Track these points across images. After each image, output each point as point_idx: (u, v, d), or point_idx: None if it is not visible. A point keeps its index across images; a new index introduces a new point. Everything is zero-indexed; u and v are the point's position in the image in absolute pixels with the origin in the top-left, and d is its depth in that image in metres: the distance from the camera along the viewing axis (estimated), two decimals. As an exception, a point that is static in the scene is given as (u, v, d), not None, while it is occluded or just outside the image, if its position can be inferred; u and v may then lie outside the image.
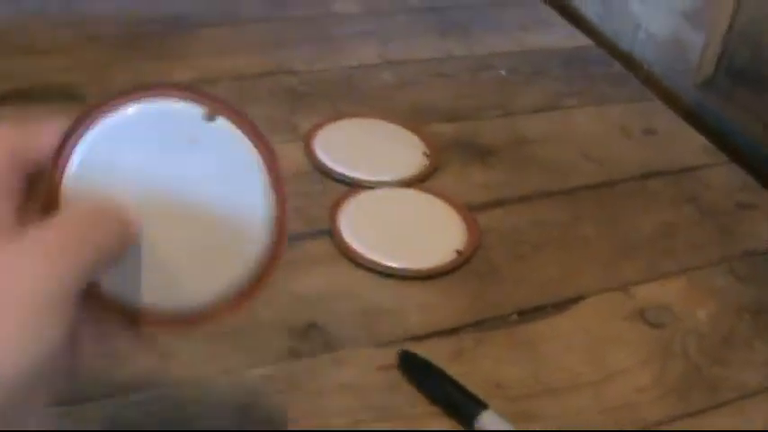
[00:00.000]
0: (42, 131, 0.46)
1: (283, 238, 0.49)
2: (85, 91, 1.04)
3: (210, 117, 0.47)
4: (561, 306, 0.80)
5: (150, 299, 0.47)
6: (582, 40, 1.30)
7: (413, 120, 1.03)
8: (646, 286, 0.84)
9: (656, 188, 0.98)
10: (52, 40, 1.13)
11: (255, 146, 0.49)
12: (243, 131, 0.48)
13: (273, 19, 1.27)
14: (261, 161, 0.49)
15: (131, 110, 0.46)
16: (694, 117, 1.15)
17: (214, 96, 0.48)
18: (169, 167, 0.47)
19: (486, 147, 1.02)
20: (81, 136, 0.46)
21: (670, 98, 1.19)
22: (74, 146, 0.46)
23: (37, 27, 1.14)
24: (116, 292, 0.47)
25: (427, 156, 0.97)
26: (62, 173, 0.46)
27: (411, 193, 0.91)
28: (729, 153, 1.06)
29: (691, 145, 1.07)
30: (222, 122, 0.48)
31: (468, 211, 0.89)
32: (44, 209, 0.45)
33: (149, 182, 0.46)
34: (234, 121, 0.48)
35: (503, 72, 1.18)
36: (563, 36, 1.31)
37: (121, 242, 0.44)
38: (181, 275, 0.48)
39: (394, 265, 0.81)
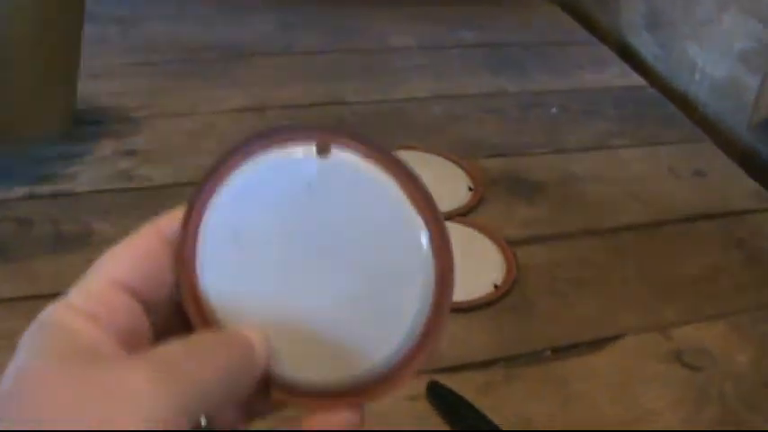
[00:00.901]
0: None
1: (448, 287, 0.41)
2: (138, 115, 1.06)
3: (322, 151, 0.40)
4: (596, 345, 0.79)
5: (295, 371, 0.41)
6: (637, 80, 1.30)
7: (461, 154, 1.03)
8: (685, 328, 0.83)
9: (703, 231, 0.97)
10: (108, 65, 1.15)
11: (392, 174, 0.41)
12: (370, 160, 0.41)
13: (329, 51, 1.28)
14: (401, 190, 0.41)
15: (240, 176, 0.41)
16: (748, 160, 1.14)
17: (326, 128, 0.41)
18: (302, 223, 0.41)
19: (532, 183, 1.01)
20: (199, 223, 0.42)
21: (724, 140, 1.18)
22: (195, 237, 0.42)
23: (94, 52, 1.16)
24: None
25: (471, 190, 0.97)
26: (192, 260, 0.41)
27: (452, 226, 0.91)
28: (782, 198, 1.04)
29: (741, 188, 1.06)
30: (338, 154, 0.40)
31: (509, 245, 0.89)
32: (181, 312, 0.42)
33: (285, 246, 0.41)
34: (353, 149, 0.41)
35: (554, 110, 1.17)
36: (618, 75, 1.30)
37: (251, 371, 0.40)
38: (329, 345, 0.41)
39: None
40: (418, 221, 0.41)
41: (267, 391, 0.41)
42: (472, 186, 0.98)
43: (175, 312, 0.42)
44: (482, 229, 0.91)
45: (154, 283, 0.41)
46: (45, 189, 0.93)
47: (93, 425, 0.33)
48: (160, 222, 0.42)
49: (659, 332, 0.82)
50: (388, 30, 1.35)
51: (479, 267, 0.86)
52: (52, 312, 0.38)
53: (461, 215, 0.94)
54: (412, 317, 0.41)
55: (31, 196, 0.92)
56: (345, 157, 0.41)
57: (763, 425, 0.73)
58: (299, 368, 0.41)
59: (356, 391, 0.41)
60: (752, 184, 1.06)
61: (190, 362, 0.37)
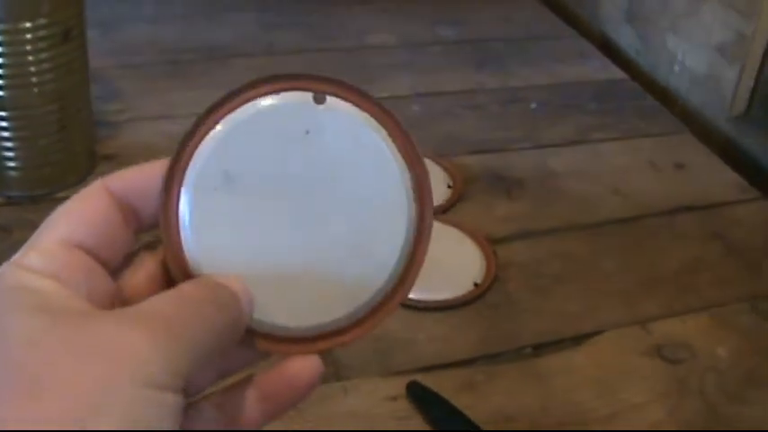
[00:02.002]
0: (144, 174, 0.42)
1: (426, 232, 0.43)
2: (118, 118, 1.06)
3: (319, 99, 0.42)
4: (577, 341, 0.80)
5: (274, 318, 0.42)
6: (617, 73, 1.30)
7: (440, 151, 1.03)
8: (665, 322, 0.83)
9: (684, 223, 0.97)
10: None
11: (381, 123, 0.43)
12: (363, 109, 0.42)
13: (308, 50, 1.28)
14: (389, 140, 0.43)
15: (230, 120, 0.42)
16: (729, 151, 1.14)
17: (323, 77, 0.43)
18: (293, 167, 0.42)
19: (512, 179, 1.01)
20: (186, 167, 0.42)
21: (705, 132, 1.18)
22: (181, 179, 0.42)
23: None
24: None
25: (450, 187, 0.97)
26: (175, 215, 0.42)
27: (431, 224, 0.91)
28: (763, 188, 1.04)
29: (722, 180, 1.06)
30: (334, 103, 0.42)
31: (489, 243, 0.89)
32: (163, 263, 0.42)
33: (276, 189, 0.42)
34: (349, 100, 0.42)
35: (533, 105, 1.17)
36: (597, 69, 1.30)
37: (237, 326, 0.40)
38: (311, 289, 0.42)
39: (410, 295, 0.81)
40: (402, 165, 0.43)
41: (246, 342, 0.41)
42: (451, 184, 0.98)
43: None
44: (462, 226, 0.91)
45: (107, 240, 0.40)
46: (23, 194, 0.93)
47: (93, 388, 0.32)
48: (108, 181, 0.41)
49: (640, 326, 0.82)
50: (367, 28, 1.35)
51: (459, 266, 0.86)
52: (7, 274, 0.37)
53: (441, 213, 0.93)
54: (392, 262, 0.43)
55: (10, 202, 0.92)
56: (340, 105, 0.42)
57: (743, 417, 0.74)
58: (282, 315, 0.42)
59: (334, 334, 0.43)
60: (732, 176, 1.07)
61: (184, 320, 0.36)
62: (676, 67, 1.26)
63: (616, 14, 1.40)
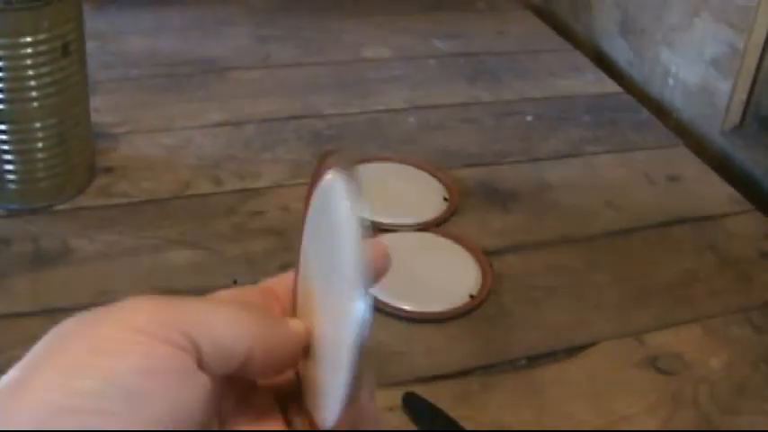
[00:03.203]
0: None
1: None
2: (116, 131, 1.06)
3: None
4: (571, 352, 0.80)
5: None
6: (611, 86, 1.31)
7: (436, 164, 1.04)
8: (659, 334, 0.84)
9: (677, 236, 0.98)
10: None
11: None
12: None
13: (305, 64, 1.29)
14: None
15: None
16: (722, 164, 1.15)
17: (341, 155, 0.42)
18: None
19: (507, 192, 1.02)
20: None
21: (698, 145, 1.19)
22: None
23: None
24: None
25: (446, 200, 0.98)
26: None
27: (427, 236, 0.92)
28: (755, 200, 1.05)
29: (715, 192, 1.07)
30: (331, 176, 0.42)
31: (484, 255, 0.90)
32: None
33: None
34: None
35: (529, 118, 1.18)
36: (592, 82, 1.31)
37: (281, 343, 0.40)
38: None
39: (405, 307, 0.82)
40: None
41: None
42: (447, 197, 0.99)
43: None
44: (458, 239, 0.92)
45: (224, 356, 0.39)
46: (23, 207, 0.93)
47: (85, 334, 0.35)
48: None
49: (633, 338, 0.83)
50: (363, 41, 1.36)
51: (455, 277, 0.87)
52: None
53: (437, 225, 0.94)
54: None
55: (9, 214, 0.92)
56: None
57: (736, 427, 0.75)
58: None
59: None
60: (726, 189, 1.07)
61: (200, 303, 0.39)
62: (670, 81, 1.27)
63: (610, 28, 1.41)
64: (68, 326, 0.36)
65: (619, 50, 1.40)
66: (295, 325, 0.41)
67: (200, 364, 0.37)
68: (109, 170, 1.00)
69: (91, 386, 0.34)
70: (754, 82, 1.12)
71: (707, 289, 0.91)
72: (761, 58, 1.11)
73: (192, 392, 0.36)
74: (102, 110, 1.09)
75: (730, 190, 1.07)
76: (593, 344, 0.82)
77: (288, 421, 0.42)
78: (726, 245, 0.97)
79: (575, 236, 0.96)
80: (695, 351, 0.82)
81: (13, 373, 0.35)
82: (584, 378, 0.78)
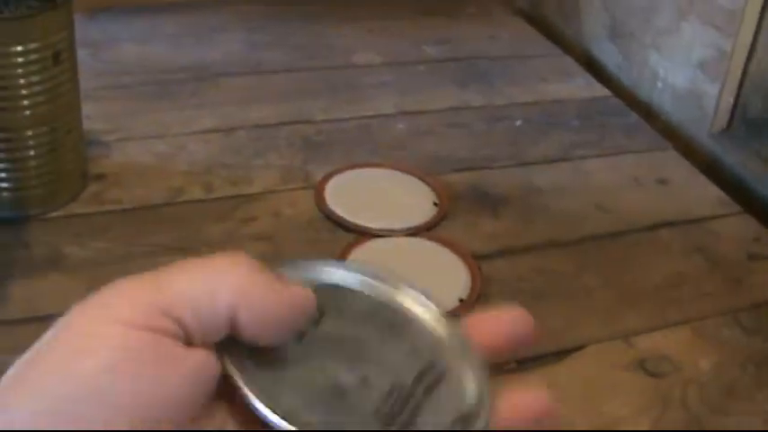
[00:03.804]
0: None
1: None
2: (108, 138, 1.07)
3: None
4: (560, 356, 0.81)
5: None
6: (600, 90, 1.31)
7: (425, 169, 1.05)
8: (648, 336, 0.84)
9: (666, 238, 0.99)
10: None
11: None
12: None
13: (295, 69, 1.29)
14: None
15: None
16: (711, 167, 1.16)
17: None
18: None
19: (496, 196, 1.03)
20: None
21: (687, 148, 1.20)
22: None
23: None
24: None
25: (436, 205, 0.98)
26: None
27: (417, 241, 0.93)
28: (744, 203, 1.06)
29: (704, 195, 1.07)
30: None
31: (474, 259, 0.91)
32: None
33: None
34: None
35: (518, 123, 1.19)
36: (581, 87, 1.32)
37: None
38: None
39: (396, 312, 0.82)
40: None
41: None
42: (437, 201, 0.99)
43: None
44: (447, 243, 0.92)
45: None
46: (15, 214, 0.94)
47: (65, 333, 0.35)
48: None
49: (622, 340, 0.83)
50: (353, 47, 1.37)
51: (445, 282, 0.87)
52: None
53: (427, 230, 0.95)
54: None
55: (1, 222, 0.93)
56: None
57: (725, 428, 0.75)
58: None
59: None
60: (714, 191, 1.08)
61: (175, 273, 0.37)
62: (659, 84, 1.28)
63: (599, 32, 1.42)
64: (64, 320, 0.36)
65: (608, 55, 1.41)
66: (292, 283, 0.39)
67: (191, 339, 0.36)
68: (101, 177, 1.01)
69: (66, 392, 0.33)
70: (741, 85, 1.13)
71: (696, 291, 0.91)
72: (747, 61, 1.12)
73: (175, 377, 0.35)
74: (94, 117, 1.09)
75: (719, 192, 1.08)
76: (582, 347, 0.82)
77: None
78: (715, 247, 0.98)
79: (564, 240, 0.97)
80: (684, 353, 0.83)
81: (9, 373, 0.35)
82: (574, 381, 0.78)
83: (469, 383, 0.43)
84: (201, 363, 0.36)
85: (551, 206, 1.02)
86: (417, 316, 0.45)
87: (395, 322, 0.44)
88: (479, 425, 0.41)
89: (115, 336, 0.34)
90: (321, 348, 0.41)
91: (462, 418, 0.41)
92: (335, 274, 0.44)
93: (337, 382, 0.41)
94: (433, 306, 0.46)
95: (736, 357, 0.83)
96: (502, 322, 0.45)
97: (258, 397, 0.38)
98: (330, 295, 0.43)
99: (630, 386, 0.78)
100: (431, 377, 0.42)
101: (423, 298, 0.46)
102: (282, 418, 0.38)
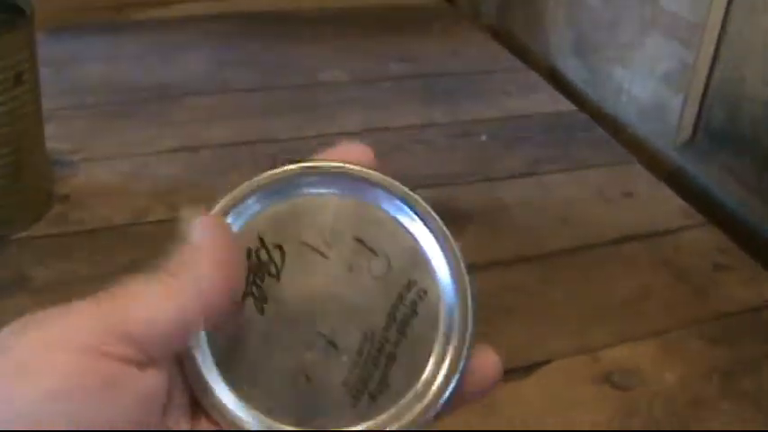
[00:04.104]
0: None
1: None
2: (72, 158, 1.06)
3: None
4: (526, 371, 0.81)
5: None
6: (565, 104, 1.32)
7: (391, 186, 1.04)
8: (614, 349, 0.84)
9: (632, 251, 0.99)
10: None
11: None
12: None
13: (260, 88, 1.29)
14: None
15: None
16: (676, 179, 1.16)
17: None
18: None
19: (462, 212, 1.03)
20: None
21: (653, 160, 1.20)
22: None
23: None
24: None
25: (402, 221, 0.98)
26: None
27: (383, 258, 0.92)
28: (709, 214, 1.06)
29: (668, 207, 1.08)
30: None
31: (440, 275, 0.90)
32: None
33: None
34: None
35: (483, 138, 1.19)
36: (546, 101, 1.32)
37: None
38: None
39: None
40: None
41: None
42: (403, 218, 0.99)
43: None
44: (413, 259, 0.92)
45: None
46: (-22, 237, 0.93)
47: (10, 352, 0.34)
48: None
49: (589, 354, 0.83)
50: (319, 65, 1.37)
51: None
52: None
53: (393, 247, 0.95)
54: None
55: (-36, 245, 0.92)
56: None
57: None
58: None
59: None
60: (679, 203, 1.09)
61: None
62: (623, 98, 1.29)
63: (564, 47, 1.43)
64: (7, 336, 0.35)
65: (573, 69, 1.41)
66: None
67: (150, 359, 0.36)
68: (65, 198, 1.00)
69: (3, 418, 0.33)
70: (704, 97, 1.13)
71: (662, 303, 0.91)
72: (710, 73, 1.12)
73: (121, 403, 0.35)
74: (58, 137, 1.08)
75: (684, 204, 1.08)
76: (548, 361, 0.82)
77: None
78: (680, 259, 0.98)
79: (530, 254, 0.97)
80: (650, 365, 0.83)
81: None
82: (541, 395, 0.78)
83: (446, 302, 0.43)
84: (152, 387, 0.36)
85: (517, 221, 1.03)
86: (389, 214, 0.44)
87: (364, 232, 0.42)
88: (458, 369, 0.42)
89: (58, 361, 0.34)
90: (283, 320, 0.41)
91: (436, 364, 0.42)
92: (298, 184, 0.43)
93: (303, 360, 0.40)
94: (407, 193, 0.45)
95: (702, 369, 0.83)
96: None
97: (225, 417, 0.39)
98: (288, 220, 0.42)
99: (597, 400, 0.78)
100: (406, 307, 0.42)
101: (396, 185, 0.45)
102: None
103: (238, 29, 1.47)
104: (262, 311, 0.41)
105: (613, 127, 1.29)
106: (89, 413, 0.34)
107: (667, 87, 1.19)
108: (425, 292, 0.42)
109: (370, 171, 0.45)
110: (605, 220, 1.04)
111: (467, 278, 0.44)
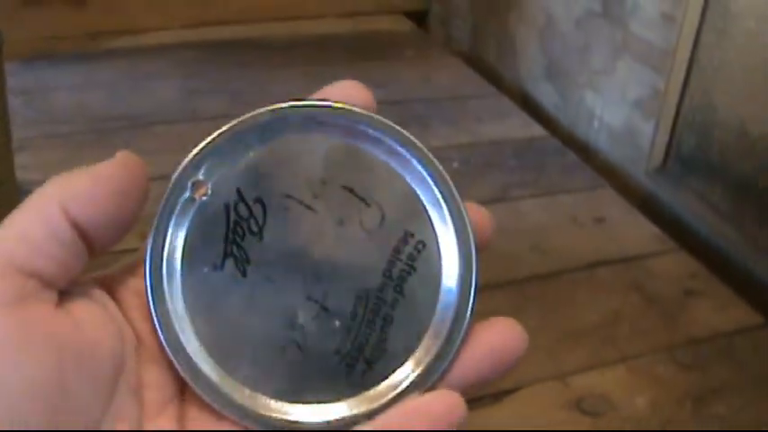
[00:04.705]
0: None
1: None
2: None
3: None
4: (497, 397, 0.80)
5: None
6: (537, 130, 1.32)
7: (363, 213, 1.04)
8: (585, 375, 0.84)
9: (603, 277, 0.99)
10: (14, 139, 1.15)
11: None
12: None
13: (231, 116, 1.28)
14: None
15: None
16: (647, 205, 1.17)
17: None
18: None
19: (433, 238, 1.02)
20: None
21: (624, 186, 1.21)
22: None
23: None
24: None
25: (373, 248, 0.98)
26: None
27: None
28: (680, 240, 1.07)
29: (640, 233, 1.08)
30: None
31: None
32: None
33: None
34: None
35: (455, 164, 1.19)
36: (518, 127, 1.33)
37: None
38: None
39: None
40: None
41: None
42: (374, 245, 0.99)
43: None
44: (384, 287, 0.92)
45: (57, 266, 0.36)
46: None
47: None
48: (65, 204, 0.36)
49: (559, 380, 0.83)
50: (289, 92, 1.35)
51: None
52: None
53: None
54: None
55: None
56: None
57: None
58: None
59: None
60: (651, 228, 1.09)
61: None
62: (595, 123, 1.29)
63: (536, 72, 1.43)
64: None
65: (545, 95, 1.42)
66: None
67: (55, 280, 0.34)
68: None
69: None
70: (675, 123, 1.14)
71: (632, 329, 0.91)
72: (681, 99, 1.13)
73: (36, 349, 0.32)
74: (30, 167, 1.07)
75: (655, 230, 1.08)
76: (519, 388, 0.82)
77: None
78: (651, 284, 0.98)
79: (501, 280, 0.97)
80: (621, 391, 0.83)
81: None
82: (511, 422, 0.78)
83: (447, 256, 0.40)
84: (70, 331, 0.34)
85: (488, 247, 1.02)
86: (381, 158, 0.40)
87: (355, 180, 0.39)
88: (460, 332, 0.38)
89: None
90: (268, 283, 0.38)
91: (437, 325, 0.39)
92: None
93: (292, 326, 0.38)
94: (402, 133, 0.41)
95: (673, 394, 0.83)
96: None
97: (210, 395, 0.37)
98: (270, 169, 0.39)
99: (567, 426, 0.78)
100: (403, 263, 0.39)
101: (390, 126, 0.42)
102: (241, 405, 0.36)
103: (209, 57, 1.47)
104: (244, 273, 0.38)
105: (585, 152, 1.29)
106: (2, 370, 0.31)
107: (639, 113, 1.20)
108: (424, 245, 0.39)
109: (361, 110, 0.41)
110: (577, 245, 1.04)
111: (470, 228, 0.41)
